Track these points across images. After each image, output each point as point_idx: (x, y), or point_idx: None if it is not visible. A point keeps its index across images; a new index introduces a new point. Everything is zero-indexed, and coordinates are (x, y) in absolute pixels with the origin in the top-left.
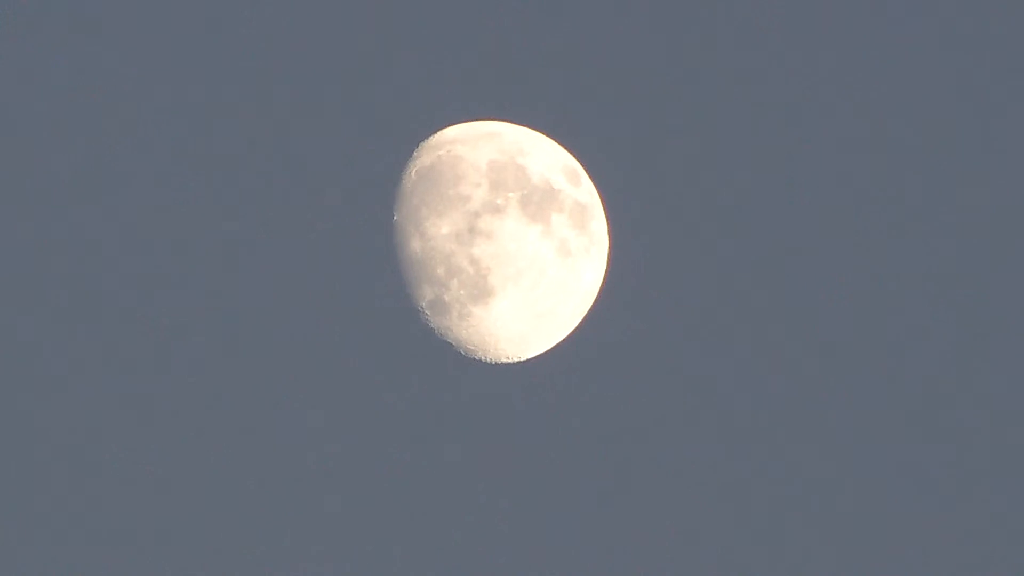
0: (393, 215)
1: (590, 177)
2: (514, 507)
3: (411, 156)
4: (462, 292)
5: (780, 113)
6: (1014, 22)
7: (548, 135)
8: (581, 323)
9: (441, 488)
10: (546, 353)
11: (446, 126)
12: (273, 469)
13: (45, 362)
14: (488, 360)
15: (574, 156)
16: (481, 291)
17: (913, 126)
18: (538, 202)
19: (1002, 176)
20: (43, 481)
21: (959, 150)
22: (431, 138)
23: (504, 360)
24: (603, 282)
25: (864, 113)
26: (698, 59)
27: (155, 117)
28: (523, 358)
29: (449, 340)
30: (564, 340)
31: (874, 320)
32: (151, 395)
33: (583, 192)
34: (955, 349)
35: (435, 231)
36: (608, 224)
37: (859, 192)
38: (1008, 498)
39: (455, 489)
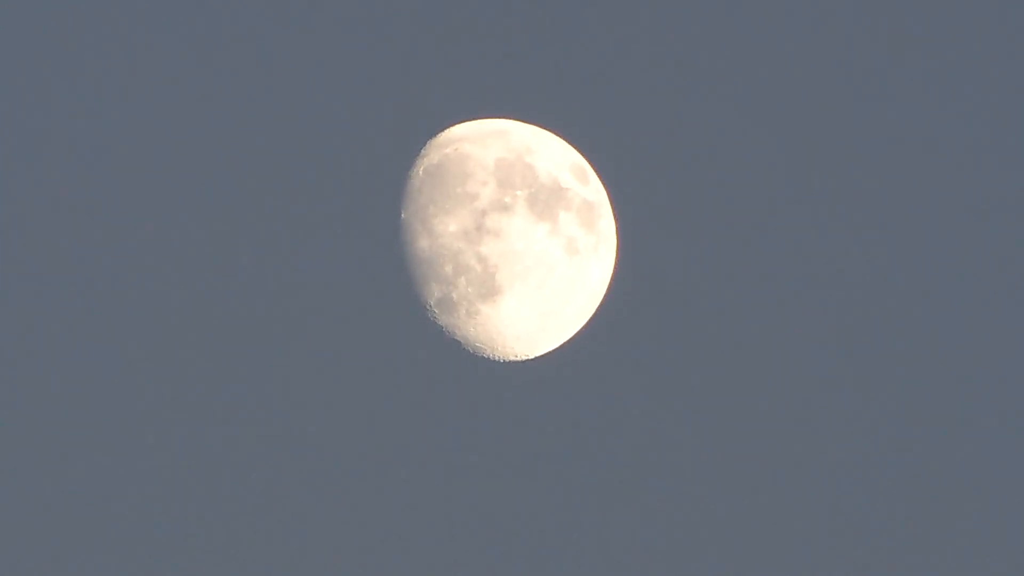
0: (401, 213)
1: (598, 175)
2: (521, 504)
3: (419, 154)
4: (470, 290)
5: (787, 112)
6: (1014, 22)
7: (556, 133)
8: (589, 321)
9: (448, 485)
10: (554, 351)
11: (454, 124)
12: (278, 467)
13: (45, 363)
14: (496, 358)
15: (582, 154)
16: (489, 289)
17: (917, 126)
18: (546, 200)
19: (1002, 176)
20: (44, 481)
21: (963, 151)
22: (439, 136)
23: (512, 358)
24: (611, 280)
25: (871, 113)
26: (706, 57)
27: (163, 118)
28: (531, 356)
29: (457, 338)
30: (572, 338)
31: (880, 313)
32: (153, 394)
33: (591, 190)
34: (958, 351)
35: (443, 229)
36: (616, 222)
37: (866, 190)
38: (1008, 497)
39: (462, 486)
